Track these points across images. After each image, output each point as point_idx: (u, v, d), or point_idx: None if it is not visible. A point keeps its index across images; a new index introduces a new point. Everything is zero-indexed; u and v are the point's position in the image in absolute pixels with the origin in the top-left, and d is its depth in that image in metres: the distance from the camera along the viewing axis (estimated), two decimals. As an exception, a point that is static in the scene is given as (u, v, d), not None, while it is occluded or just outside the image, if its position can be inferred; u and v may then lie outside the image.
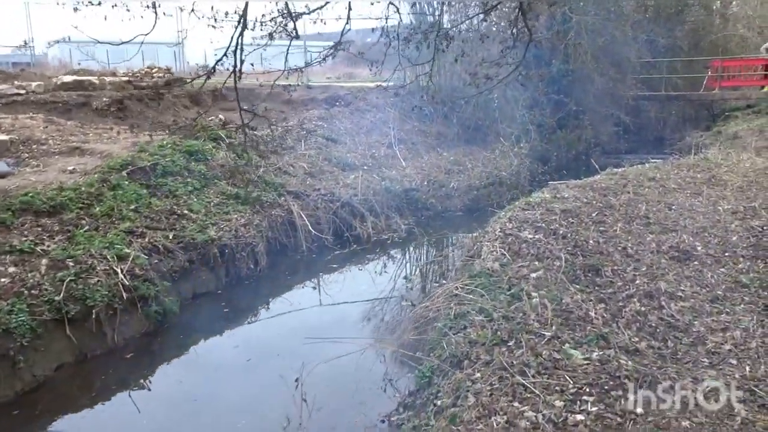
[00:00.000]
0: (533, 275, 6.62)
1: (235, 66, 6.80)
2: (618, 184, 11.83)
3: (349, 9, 7.97)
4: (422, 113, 20.51)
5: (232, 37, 6.61)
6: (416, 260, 10.52)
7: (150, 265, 7.85)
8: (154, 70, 21.26)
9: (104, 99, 14.76)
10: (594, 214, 9.71)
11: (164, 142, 11.48)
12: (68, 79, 15.31)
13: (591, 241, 8.24)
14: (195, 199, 10.14)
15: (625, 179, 12.28)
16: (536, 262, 7.16)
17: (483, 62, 9.02)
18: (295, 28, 7.52)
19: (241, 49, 6.72)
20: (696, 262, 7.53)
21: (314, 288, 9.81)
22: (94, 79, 15.28)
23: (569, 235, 8.51)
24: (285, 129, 15.35)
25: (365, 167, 14.80)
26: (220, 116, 17.77)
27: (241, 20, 6.62)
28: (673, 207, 10.23)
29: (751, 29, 29.53)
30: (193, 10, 7.07)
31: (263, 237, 10.45)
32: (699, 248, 8.06)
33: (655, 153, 22.66)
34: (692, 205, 10.43)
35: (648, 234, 8.78)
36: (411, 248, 11.82)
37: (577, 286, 6.42)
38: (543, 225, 9.04)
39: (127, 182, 9.60)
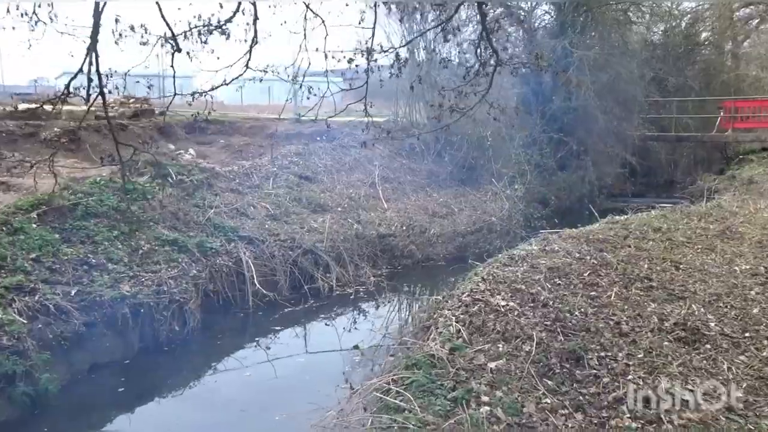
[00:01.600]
0: (492, 365, 5.05)
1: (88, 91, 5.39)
2: (618, 236, 10.26)
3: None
4: (413, 150, 19.23)
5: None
6: (375, 323, 8.95)
7: (28, 332, 6.35)
8: (130, 101, 20.18)
9: (55, 129, 13.50)
10: (586, 274, 8.15)
11: (98, 179, 10.12)
12: (22, 107, 14.10)
13: (577, 312, 6.66)
14: (120, 246, 8.70)
15: (626, 230, 10.72)
16: (500, 345, 5.58)
17: (443, 90, 7.55)
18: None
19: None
20: (708, 345, 5.92)
21: (245, 357, 8.21)
22: (48, 107, 14.03)
23: (551, 302, 6.94)
24: (252, 166, 13.98)
25: (339, 209, 13.36)
26: (191, 151, 16.52)
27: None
28: (681, 266, 8.64)
29: (764, 69, 28.17)
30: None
31: (199, 291, 8.96)
32: (712, 324, 6.45)
33: (664, 197, 21.07)
34: (704, 263, 8.84)
35: (649, 302, 7.19)
36: (375, 307, 10.24)
37: (550, 383, 4.84)
38: (522, 287, 7.49)
39: (35, 225, 8.19)
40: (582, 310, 6.76)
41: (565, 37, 19.42)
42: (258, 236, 10.76)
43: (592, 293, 7.44)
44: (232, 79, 7.31)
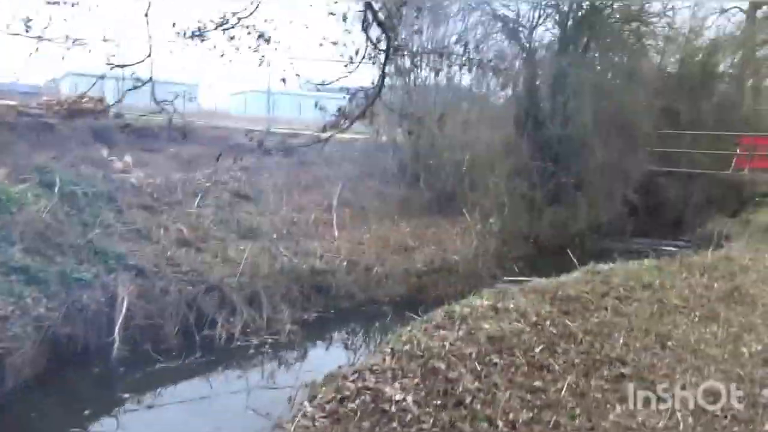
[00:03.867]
0: None
1: None
2: (594, 293, 8.09)
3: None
4: (385, 173, 17.22)
5: None
6: (254, 398, 6.79)
7: None
8: (84, 100, 18.40)
9: (-46, 125, 11.67)
10: (537, 350, 6.02)
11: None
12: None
13: (501, 420, 4.52)
14: (-61, 273, 6.68)
15: (607, 284, 8.54)
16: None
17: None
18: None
19: None
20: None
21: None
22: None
23: (470, 398, 4.82)
24: (181, 179, 12.01)
25: (275, 236, 11.31)
26: (127, 158, 14.60)
27: None
28: (669, 344, 6.49)
29: (787, 105, 25.95)
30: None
31: (43, 337, 6.91)
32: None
33: (669, 239, 18.83)
34: (700, 340, 6.70)
35: (615, 403, 5.04)
36: (267, 372, 8.03)
37: None
38: (441, 366, 5.38)
39: None
40: (511, 415, 4.61)
41: (565, 56, 17.43)
42: (152, 267, 8.72)
43: (537, 383, 5.30)
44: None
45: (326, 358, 8.21)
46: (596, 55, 19.01)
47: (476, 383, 5.15)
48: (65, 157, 12.84)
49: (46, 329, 7.05)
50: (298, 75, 7.61)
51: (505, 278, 10.18)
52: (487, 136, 17.49)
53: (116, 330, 7.58)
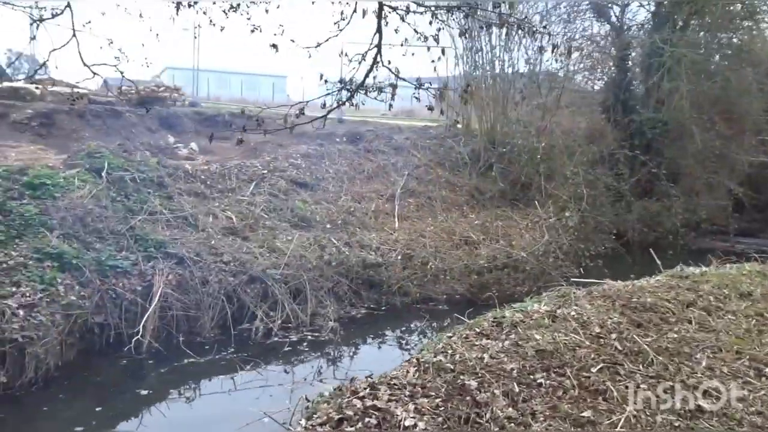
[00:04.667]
0: None
1: None
2: (677, 301, 6.92)
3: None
4: (458, 162, 16.28)
5: None
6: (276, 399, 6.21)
7: None
8: (160, 89, 18.76)
9: (27, 111, 11.97)
10: (594, 370, 5.04)
11: (3, 170, 8.22)
12: (3, 85, 12.76)
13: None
14: (-26, 258, 6.62)
15: (695, 291, 7.32)
16: None
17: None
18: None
19: None
20: None
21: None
22: (33, 87, 12.60)
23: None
24: (237, 166, 11.72)
25: (329, 226, 10.77)
26: (193, 145, 14.60)
27: None
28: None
29: None
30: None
31: (74, 325, 6.71)
32: None
33: (784, 239, 16.70)
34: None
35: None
36: (311, 367, 7.43)
37: None
38: (473, 385, 4.57)
39: None
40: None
41: (660, 32, 15.67)
42: (193, 255, 8.39)
43: (586, 413, 4.35)
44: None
45: (362, 360, 7.53)
46: (698, 32, 17.01)
47: (510, 409, 4.29)
48: (131, 143, 12.95)
49: (76, 318, 6.83)
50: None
51: (572, 279, 9.05)
52: (569, 121, 16.13)
53: (147, 320, 7.26)
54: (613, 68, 18.14)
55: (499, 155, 15.29)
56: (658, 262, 8.94)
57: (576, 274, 11.12)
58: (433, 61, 6.14)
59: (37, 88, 12.82)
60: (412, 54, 6.05)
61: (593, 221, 13.20)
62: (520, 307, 6.70)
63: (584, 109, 18.25)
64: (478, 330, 6.08)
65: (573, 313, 6.42)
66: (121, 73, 6.58)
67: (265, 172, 11.92)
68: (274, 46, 6.46)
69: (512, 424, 4.08)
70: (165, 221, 9.06)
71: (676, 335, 5.94)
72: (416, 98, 5.92)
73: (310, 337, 7.98)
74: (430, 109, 6.12)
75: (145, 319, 7.25)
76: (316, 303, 8.75)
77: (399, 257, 10.08)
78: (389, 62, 5.53)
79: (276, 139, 16.56)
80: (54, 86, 12.61)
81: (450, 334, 6.08)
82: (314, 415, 4.16)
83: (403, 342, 8.57)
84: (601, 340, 5.72)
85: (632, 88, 18.12)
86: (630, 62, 17.80)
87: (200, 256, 8.46)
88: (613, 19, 17.78)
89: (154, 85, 19.10)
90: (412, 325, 9.21)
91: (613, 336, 5.83)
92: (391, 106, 5.89)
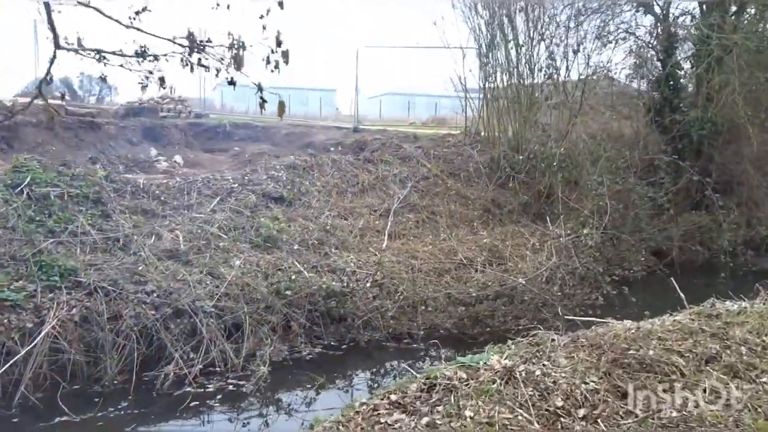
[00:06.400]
0: None
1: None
2: (695, 353, 5.08)
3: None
4: (473, 173, 14.58)
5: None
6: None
7: None
8: (165, 101, 18.00)
9: (-13, 124, 11.18)
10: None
11: None
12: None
13: None
14: None
15: (721, 338, 5.43)
16: None
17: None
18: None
19: None
20: None
21: None
22: (6, 101, 11.85)
23: None
24: (200, 180, 10.48)
25: (296, 247, 9.34)
26: (177, 158, 13.54)
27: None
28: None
29: None
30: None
31: None
32: None
33: None
34: None
35: None
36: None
37: None
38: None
39: None
40: None
41: (706, 18, 13.51)
42: (109, 284, 7.12)
43: None
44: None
45: (274, 425, 5.99)
46: (754, 17, 14.69)
47: None
48: (106, 156, 12.01)
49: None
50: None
51: (566, 317, 7.24)
52: (598, 124, 14.15)
53: (26, 366, 6.00)
54: (657, 64, 16.00)
55: (517, 164, 13.49)
56: (681, 294, 6.99)
57: (589, 305, 9.27)
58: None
59: (11, 101, 12.08)
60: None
61: (620, 239, 11.18)
62: (471, 360, 5.02)
63: (627, 111, 16.20)
64: (396, 397, 4.47)
65: (538, 372, 4.71)
66: (103, 79, 5.18)
67: (236, 185, 10.62)
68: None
69: None
70: (91, 243, 7.85)
71: (676, 413, 4.14)
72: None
73: (231, 388, 6.52)
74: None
75: (28, 363, 5.99)
76: (256, 342, 7.29)
77: (368, 284, 8.48)
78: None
79: (276, 150, 15.42)
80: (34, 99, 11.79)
81: (360, 403, 4.50)
82: None
83: (347, 392, 6.95)
84: (559, 421, 4.00)
85: (680, 86, 15.94)
86: (677, 56, 15.62)
87: (118, 285, 7.17)
88: (657, 9, 15.65)
89: (159, 98, 18.38)
90: (373, 369, 7.61)
91: (581, 413, 4.10)
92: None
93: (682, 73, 16.06)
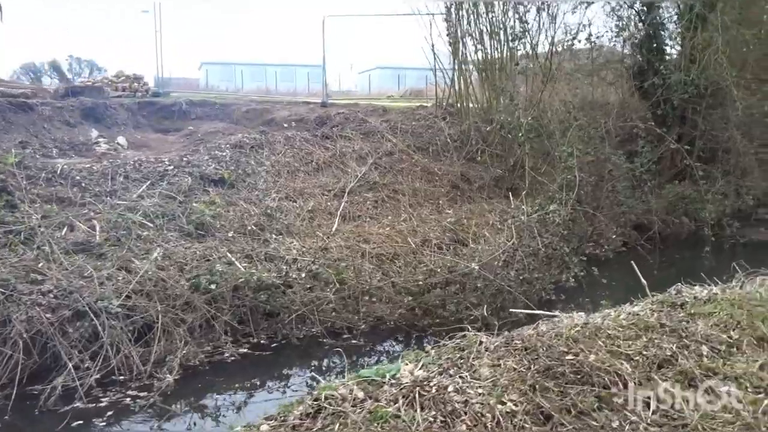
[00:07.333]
0: None
1: None
2: (645, 356, 4.26)
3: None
4: (441, 146, 13.69)
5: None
6: None
7: None
8: (120, 79, 17.01)
9: None
10: None
11: None
12: None
13: None
14: None
15: (682, 334, 4.62)
16: None
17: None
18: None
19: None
20: None
21: None
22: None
23: None
24: (130, 163, 9.59)
25: (231, 234, 8.49)
26: (120, 140, 12.62)
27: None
28: None
29: None
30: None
31: None
32: None
33: None
34: None
35: None
36: None
37: None
38: None
39: None
40: None
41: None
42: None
43: None
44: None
45: None
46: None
47: None
48: (38, 140, 11.10)
49: None
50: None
51: (512, 311, 6.41)
52: (578, 91, 13.20)
53: None
54: (640, 26, 14.97)
55: (487, 136, 12.59)
56: (642, 280, 6.15)
57: (555, 289, 8.46)
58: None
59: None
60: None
61: (594, 214, 10.32)
62: (376, 373, 4.19)
63: (611, 77, 15.26)
64: (269, 428, 3.66)
65: (451, 388, 3.88)
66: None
67: (171, 168, 9.73)
68: None
69: None
70: (-17, 237, 7.00)
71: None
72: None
73: (128, 401, 5.71)
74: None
75: None
76: (168, 345, 6.47)
77: (303, 274, 7.64)
78: None
79: (234, 128, 14.50)
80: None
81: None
82: None
83: (271, 397, 6.14)
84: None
85: (663, 48, 14.97)
86: (659, 14, 14.60)
87: (8, 285, 6.33)
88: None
89: (113, 76, 17.39)
90: (300, 373, 6.80)
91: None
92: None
93: (666, 34, 15.09)
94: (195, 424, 5.64)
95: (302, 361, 6.97)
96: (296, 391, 6.16)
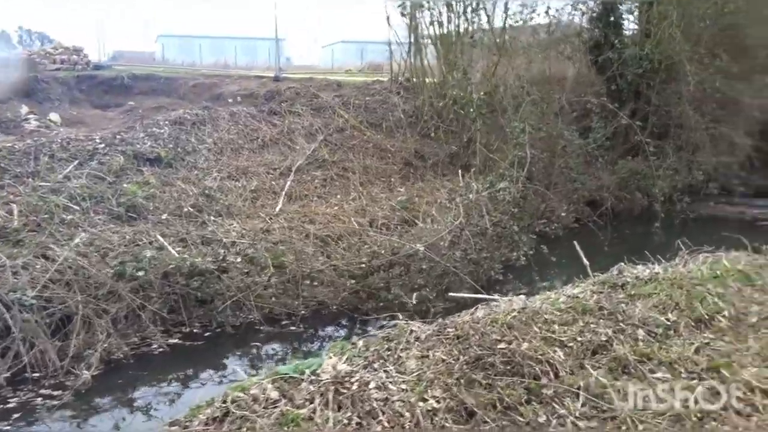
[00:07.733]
0: None
1: None
2: (579, 342, 4.03)
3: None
4: (394, 123, 13.33)
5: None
6: None
7: None
8: (57, 51, 16.09)
9: None
10: None
11: None
12: None
13: None
14: None
15: (619, 318, 4.41)
16: None
17: None
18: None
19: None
20: None
21: None
22: None
23: None
24: (58, 141, 8.99)
25: (165, 216, 8.03)
26: (53, 116, 11.89)
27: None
28: None
29: None
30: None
31: None
32: None
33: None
34: None
35: None
36: None
37: None
38: None
39: None
40: None
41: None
42: None
43: None
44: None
45: None
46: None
47: None
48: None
49: None
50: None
51: (451, 295, 6.18)
52: (534, 66, 12.96)
53: None
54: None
55: (440, 111, 12.28)
56: (585, 260, 5.96)
57: (504, 269, 8.28)
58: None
59: None
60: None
61: (545, 192, 10.16)
62: (295, 369, 3.88)
63: (569, 51, 15.03)
64: (178, 429, 3.33)
65: (373, 384, 3.59)
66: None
67: (102, 146, 9.15)
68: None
69: None
70: None
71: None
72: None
73: (39, 401, 5.29)
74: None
75: None
76: (89, 338, 6.04)
77: (239, 258, 7.26)
78: None
79: (180, 104, 13.86)
80: None
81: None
82: None
83: (201, 390, 5.79)
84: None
85: (620, 22, 14.79)
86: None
87: None
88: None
89: (51, 48, 16.45)
90: (236, 362, 6.45)
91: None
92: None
93: (624, 8, 14.91)
94: (124, 419, 5.29)
95: (238, 350, 6.63)
96: (222, 384, 5.82)
